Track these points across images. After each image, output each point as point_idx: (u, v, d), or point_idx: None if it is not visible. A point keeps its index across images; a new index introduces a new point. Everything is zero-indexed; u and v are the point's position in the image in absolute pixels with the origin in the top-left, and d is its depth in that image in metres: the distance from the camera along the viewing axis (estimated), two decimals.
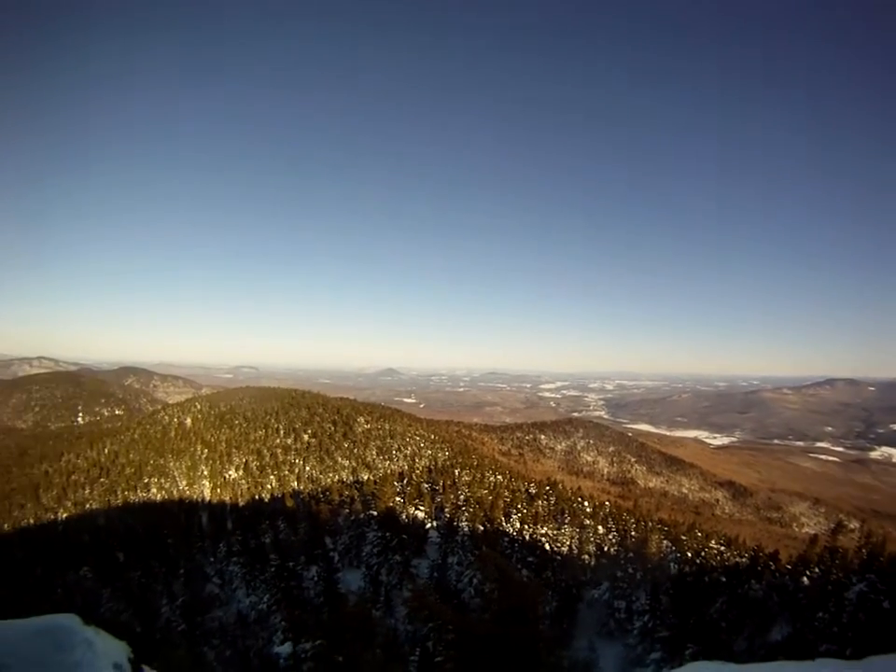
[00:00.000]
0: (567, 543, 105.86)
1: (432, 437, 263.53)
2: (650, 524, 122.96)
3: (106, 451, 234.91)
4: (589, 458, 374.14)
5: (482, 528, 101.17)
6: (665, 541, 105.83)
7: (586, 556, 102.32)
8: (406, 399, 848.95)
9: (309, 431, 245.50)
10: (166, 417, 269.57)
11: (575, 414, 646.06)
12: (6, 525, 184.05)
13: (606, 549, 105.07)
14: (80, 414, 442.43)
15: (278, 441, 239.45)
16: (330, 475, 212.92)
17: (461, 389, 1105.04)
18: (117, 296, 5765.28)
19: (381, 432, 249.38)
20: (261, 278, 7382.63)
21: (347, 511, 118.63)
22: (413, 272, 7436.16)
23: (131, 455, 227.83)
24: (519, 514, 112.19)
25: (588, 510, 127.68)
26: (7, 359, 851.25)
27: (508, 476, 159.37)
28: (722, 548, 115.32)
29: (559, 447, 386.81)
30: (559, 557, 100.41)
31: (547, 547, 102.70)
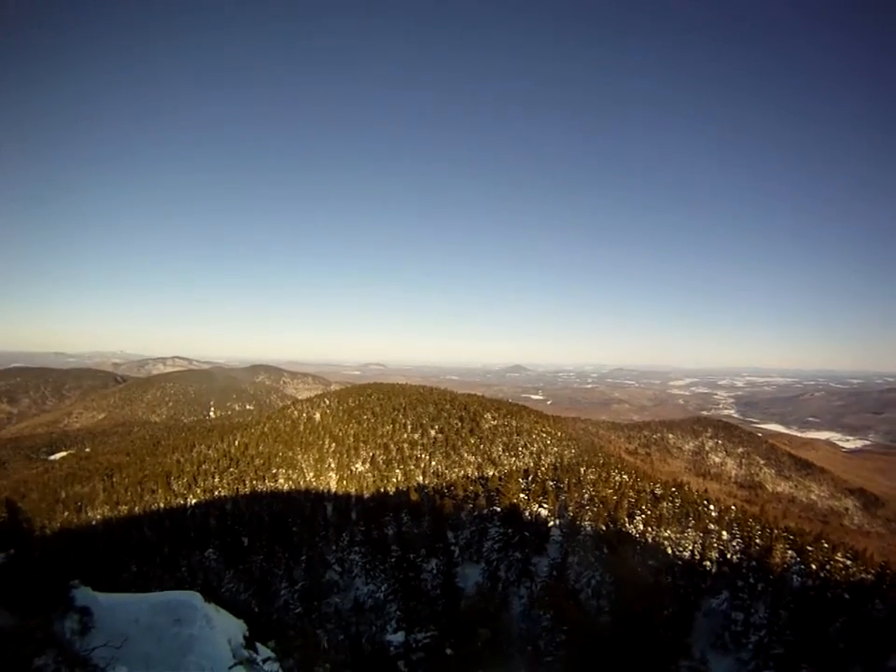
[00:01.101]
0: (690, 548, 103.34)
1: (559, 434, 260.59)
2: (775, 531, 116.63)
3: (237, 443, 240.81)
4: (717, 459, 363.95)
5: (604, 529, 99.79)
6: (789, 551, 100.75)
7: (708, 563, 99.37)
8: (533, 396, 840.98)
9: (436, 427, 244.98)
10: (296, 412, 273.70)
11: (704, 413, 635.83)
12: (137, 508, 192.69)
13: (728, 556, 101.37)
14: (212, 409, 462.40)
15: (405, 436, 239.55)
16: (456, 470, 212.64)
17: (589, 386, 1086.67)
18: (248, 299, 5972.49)
19: (507, 429, 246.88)
20: (390, 277, 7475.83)
21: (471, 506, 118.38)
22: (542, 268, 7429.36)
23: (260, 447, 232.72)
24: (643, 516, 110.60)
25: (713, 514, 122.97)
26: (142, 359, 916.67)
27: (633, 476, 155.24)
28: (848, 562, 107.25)
29: (687, 447, 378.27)
30: (680, 562, 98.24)
31: (669, 551, 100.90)
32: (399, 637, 64.60)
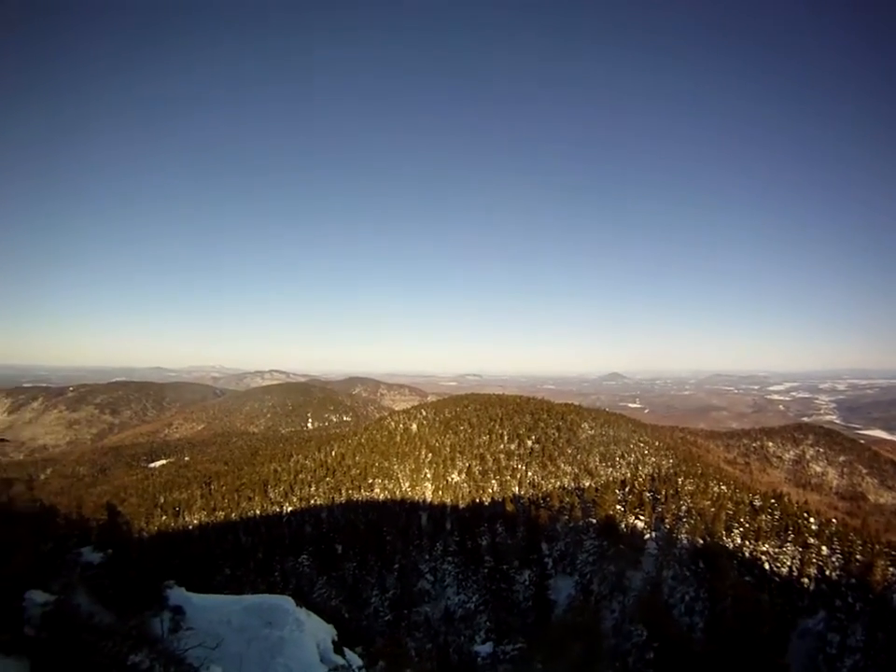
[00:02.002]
0: (788, 564, 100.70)
1: (656, 443, 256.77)
2: (877, 547, 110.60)
3: (333, 453, 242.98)
4: (818, 469, 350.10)
5: (701, 542, 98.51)
6: (890, 568, 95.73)
7: (806, 580, 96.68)
8: (630, 405, 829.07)
9: (533, 437, 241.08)
10: (392, 423, 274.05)
11: (805, 419, 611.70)
12: (233, 515, 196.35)
13: (827, 573, 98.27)
14: (309, 420, 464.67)
15: (502, 446, 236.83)
16: (552, 481, 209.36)
17: (686, 393, 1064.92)
18: (345, 313, 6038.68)
19: (604, 438, 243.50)
20: (487, 288, 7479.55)
21: (566, 517, 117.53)
22: (641, 272, 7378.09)
23: (357, 458, 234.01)
24: (741, 529, 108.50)
25: (814, 527, 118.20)
26: (241, 373, 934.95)
27: (732, 487, 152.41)
28: None
29: (787, 456, 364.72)
30: (777, 578, 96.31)
31: (766, 566, 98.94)
32: (487, 647, 64.53)
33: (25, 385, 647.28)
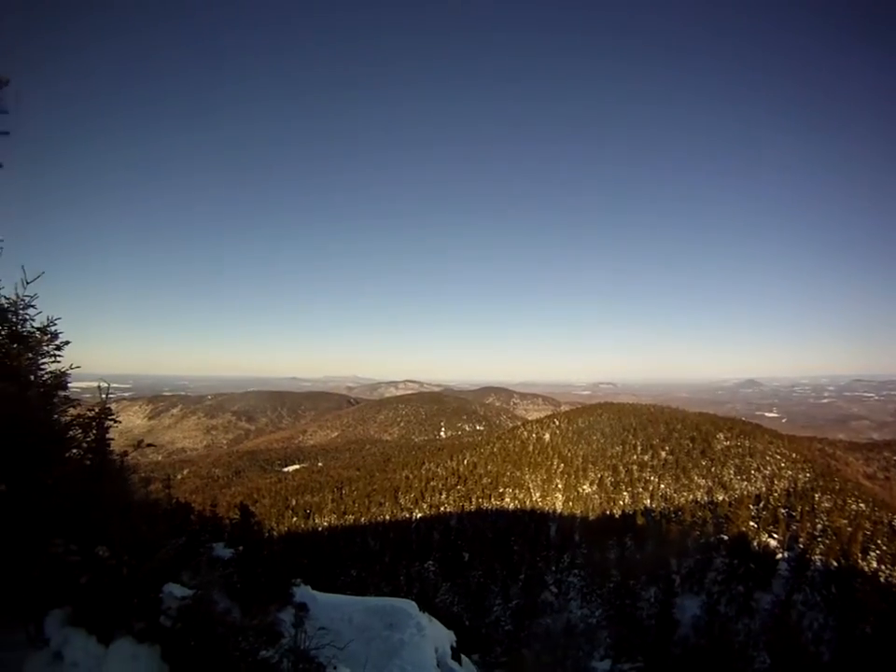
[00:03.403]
0: None
1: (793, 455, 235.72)
2: None
3: (465, 462, 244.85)
4: None
5: (835, 564, 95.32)
6: None
7: None
8: (767, 413, 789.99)
9: (666, 448, 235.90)
10: (525, 432, 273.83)
11: None
12: (363, 519, 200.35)
13: None
14: (442, 429, 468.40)
15: (635, 457, 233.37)
16: (685, 494, 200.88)
17: (825, 400, 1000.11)
18: (478, 323, 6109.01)
19: (740, 450, 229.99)
20: (620, 293, 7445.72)
21: (697, 533, 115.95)
22: (778, 273, 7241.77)
23: (489, 467, 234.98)
24: (878, 552, 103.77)
25: None
26: (375, 382, 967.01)
27: (871, 505, 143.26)
28: None
29: None
30: None
31: None
32: (604, 664, 64.04)
33: (165, 394, 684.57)
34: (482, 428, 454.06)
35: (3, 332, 13.78)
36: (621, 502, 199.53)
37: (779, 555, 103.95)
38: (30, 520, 11.49)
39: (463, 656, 29.33)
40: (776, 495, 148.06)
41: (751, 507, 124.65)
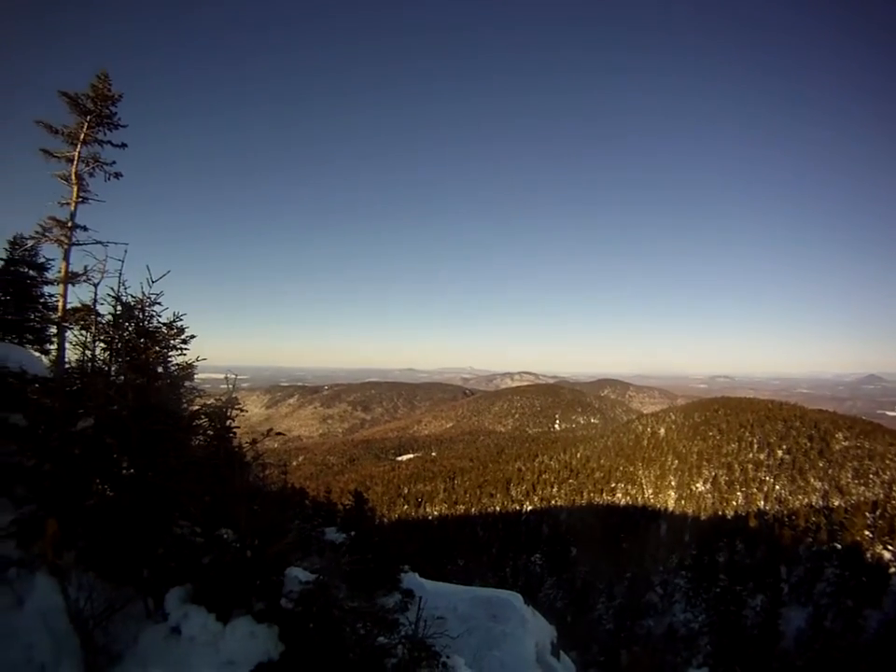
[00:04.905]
0: None
1: None
2: None
3: (578, 455, 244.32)
4: None
5: None
6: None
7: None
8: (889, 412, 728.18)
9: (783, 447, 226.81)
10: (640, 426, 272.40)
11: None
12: (473, 510, 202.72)
13: None
14: (557, 422, 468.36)
15: (751, 455, 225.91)
16: (799, 497, 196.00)
17: None
18: (593, 316, 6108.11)
19: (859, 451, 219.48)
20: (737, 282, 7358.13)
21: (810, 539, 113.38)
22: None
23: (602, 461, 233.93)
24: None
25: None
26: (490, 374, 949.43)
27: None
28: None
29: None
30: None
31: None
32: None
33: (283, 384, 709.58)
34: (596, 421, 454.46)
35: (130, 328, 16.09)
36: (734, 502, 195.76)
37: (893, 569, 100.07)
38: (157, 502, 12.66)
39: (562, 653, 29.88)
40: (894, 502, 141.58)
41: (868, 514, 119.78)
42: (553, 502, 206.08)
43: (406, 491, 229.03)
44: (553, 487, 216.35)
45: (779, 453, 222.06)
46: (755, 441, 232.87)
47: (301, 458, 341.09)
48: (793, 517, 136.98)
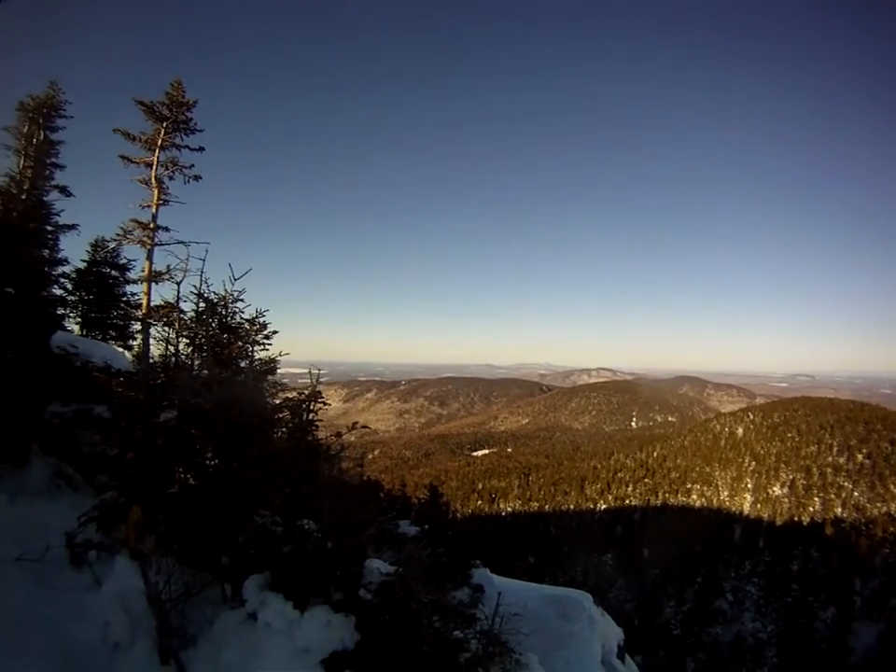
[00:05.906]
0: None
1: None
2: None
3: (655, 454, 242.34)
4: None
5: None
6: None
7: None
8: None
9: (864, 451, 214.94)
10: (717, 426, 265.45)
11: None
12: (547, 507, 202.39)
13: None
14: (634, 419, 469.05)
15: (830, 458, 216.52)
16: (878, 505, 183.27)
17: None
18: (668, 312, 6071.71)
19: None
20: (821, 277, 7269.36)
21: (887, 550, 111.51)
22: None
23: (678, 461, 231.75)
24: None
25: None
26: (567, 370, 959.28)
27: None
28: None
29: None
30: None
31: None
32: None
33: (360, 379, 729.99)
34: (674, 419, 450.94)
35: (213, 324, 17.30)
36: (811, 508, 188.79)
37: None
38: (240, 491, 13.29)
39: (627, 656, 30.03)
40: None
41: None
42: (627, 501, 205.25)
43: (480, 486, 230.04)
44: (627, 486, 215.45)
45: (859, 457, 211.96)
46: (835, 443, 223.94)
47: (376, 452, 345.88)
48: (871, 526, 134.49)
